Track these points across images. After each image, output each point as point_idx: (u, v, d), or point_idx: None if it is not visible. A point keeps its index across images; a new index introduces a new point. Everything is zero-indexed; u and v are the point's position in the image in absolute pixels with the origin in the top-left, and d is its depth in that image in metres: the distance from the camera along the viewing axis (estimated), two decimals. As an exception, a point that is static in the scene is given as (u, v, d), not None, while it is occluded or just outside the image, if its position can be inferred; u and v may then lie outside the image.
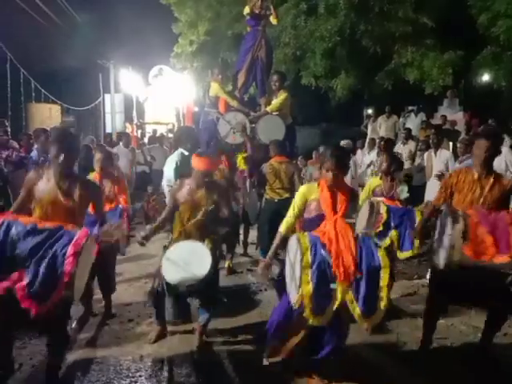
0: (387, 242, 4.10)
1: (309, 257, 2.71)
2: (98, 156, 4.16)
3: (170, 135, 12.35)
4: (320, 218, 2.99)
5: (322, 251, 2.73)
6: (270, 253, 3.22)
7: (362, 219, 3.75)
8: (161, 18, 12.71)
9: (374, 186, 4.57)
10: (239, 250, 6.30)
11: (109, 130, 15.73)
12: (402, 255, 4.21)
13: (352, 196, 3.09)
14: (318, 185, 3.09)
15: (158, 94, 15.56)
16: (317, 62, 9.61)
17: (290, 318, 3.01)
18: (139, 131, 15.00)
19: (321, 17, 9.31)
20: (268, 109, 5.63)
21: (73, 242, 2.50)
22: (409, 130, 8.71)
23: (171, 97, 14.84)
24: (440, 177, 6.22)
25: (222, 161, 5.50)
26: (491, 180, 3.29)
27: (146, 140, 12.72)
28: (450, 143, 7.60)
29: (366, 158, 9.32)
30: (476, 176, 3.33)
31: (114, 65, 15.36)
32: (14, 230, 2.56)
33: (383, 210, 4.06)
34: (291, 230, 3.17)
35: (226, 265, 5.69)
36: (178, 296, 3.60)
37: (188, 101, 13.42)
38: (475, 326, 4.03)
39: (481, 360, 3.45)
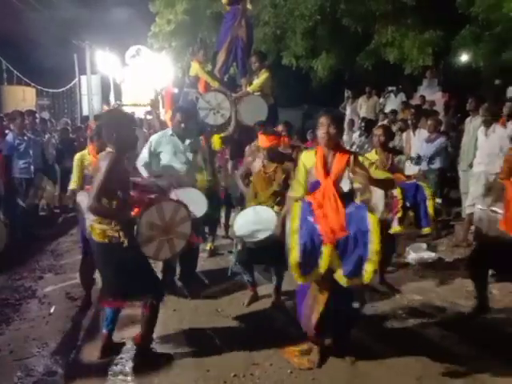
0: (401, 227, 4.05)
1: (297, 222, 2.75)
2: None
3: (149, 117, 12.13)
4: (317, 183, 2.98)
5: (309, 217, 2.75)
6: (282, 214, 3.49)
7: (376, 207, 3.77)
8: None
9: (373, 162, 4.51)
10: (221, 232, 6.29)
11: (86, 112, 15.33)
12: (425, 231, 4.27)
13: (352, 159, 2.98)
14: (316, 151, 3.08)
15: (136, 75, 15.18)
16: (297, 42, 9.48)
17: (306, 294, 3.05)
18: (117, 113, 14.59)
19: (300, -5, 9.17)
20: (249, 89, 5.54)
21: None
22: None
23: (149, 78, 14.50)
24: (415, 160, 6.27)
25: (202, 142, 5.42)
26: None
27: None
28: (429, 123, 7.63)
29: (345, 138, 9.37)
30: None
31: (90, 45, 14.89)
32: None
33: (397, 192, 3.97)
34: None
35: (208, 247, 5.68)
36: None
37: (167, 82, 13.14)
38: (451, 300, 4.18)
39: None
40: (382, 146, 4.46)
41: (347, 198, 2.91)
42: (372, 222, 2.66)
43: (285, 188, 3.98)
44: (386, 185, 3.26)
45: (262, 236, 3.70)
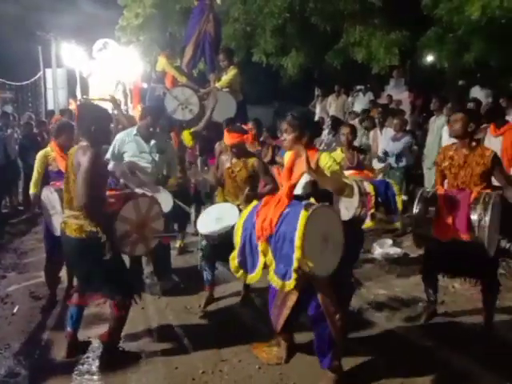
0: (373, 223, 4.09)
1: (242, 220, 2.85)
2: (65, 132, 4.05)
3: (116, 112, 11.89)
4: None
5: (254, 215, 2.81)
6: None
7: (351, 203, 3.72)
8: (105, -12, 12.08)
9: (340, 160, 4.47)
10: (190, 229, 6.25)
11: (51, 106, 14.88)
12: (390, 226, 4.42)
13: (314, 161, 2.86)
14: None
15: (103, 69, 14.84)
16: (267, 39, 9.51)
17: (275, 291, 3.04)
18: (84, 108, 14.24)
19: (270, -8, 9.17)
20: (218, 85, 5.52)
21: None
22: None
23: (117, 72, 14.21)
24: (382, 158, 6.41)
25: (172, 138, 5.38)
26: (470, 154, 3.39)
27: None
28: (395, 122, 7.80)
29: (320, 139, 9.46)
30: (452, 152, 3.48)
31: (55, 37, 14.43)
32: None
33: (370, 188, 4.00)
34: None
35: (178, 244, 5.64)
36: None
37: (135, 76, 12.92)
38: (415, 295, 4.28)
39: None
40: (348, 144, 4.53)
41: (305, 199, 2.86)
42: (301, 218, 2.55)
43: (250, 186, 3.99)
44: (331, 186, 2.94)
45: (220, 230, 3.67)
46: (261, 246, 2.71)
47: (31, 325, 3.80)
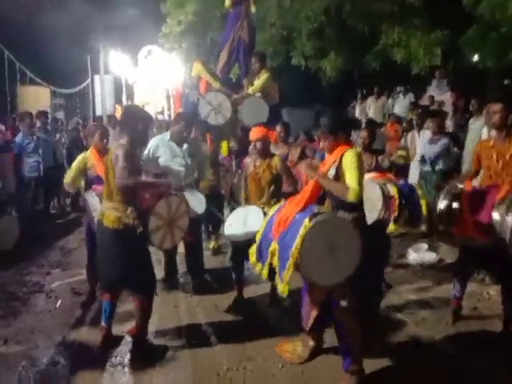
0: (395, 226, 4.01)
1: (266, 219, 2.98)
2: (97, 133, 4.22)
3: (160, 117, 12.31)
4: None
5: (277, 212, 2.90)
6: None
7: (374, 206, 3.72)
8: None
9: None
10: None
11: (99, 112, 15.55)
12: (416, 230, 4.33)
13: (337, 160, 2.86)
14: None
15: (148, 76, 15.35)
16: (304, 43, 9.54)
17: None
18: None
19: (306, -3, 9.20)
20: (250, 90, 5.60)
21: None
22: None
23: (161, 78, 14.68)
24: (420, 162, 6.26)
25: (207, 141, 5.54)
26: (506, 145, 3.31)
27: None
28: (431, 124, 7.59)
29: (354, 138, 9.38)
30: (491, 143, 3.42)
31: (104, 46, 15.10)
32: None
33: (394, 191, 3.93)
34: None
35: (211, 246, 5.78)
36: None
37: (177, 82, 13.29)
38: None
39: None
40: (365, 148, 4.48)
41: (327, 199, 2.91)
42: (302, 228, 2.59)
43: (274, 189, 4.08)
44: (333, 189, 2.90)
45: (246, 234, 3.74)
46: (272, 247, 2.78)
47: (71, 319, 4.05)
